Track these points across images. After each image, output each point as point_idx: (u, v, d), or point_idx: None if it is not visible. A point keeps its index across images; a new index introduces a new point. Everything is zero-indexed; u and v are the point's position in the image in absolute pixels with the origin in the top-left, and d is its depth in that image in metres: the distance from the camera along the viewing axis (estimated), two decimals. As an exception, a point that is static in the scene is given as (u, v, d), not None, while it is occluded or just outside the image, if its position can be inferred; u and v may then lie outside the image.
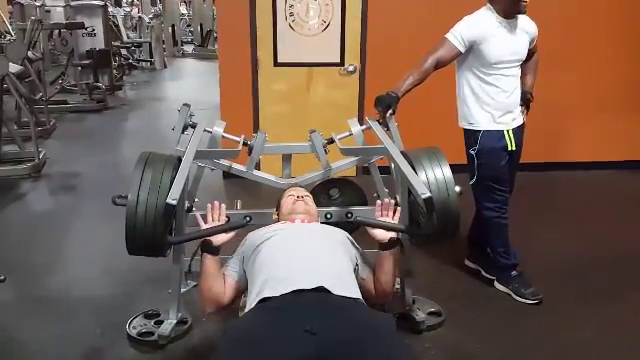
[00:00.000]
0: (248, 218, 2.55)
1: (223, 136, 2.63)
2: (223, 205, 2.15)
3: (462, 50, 2.66)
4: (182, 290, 2.90)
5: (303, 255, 1.93)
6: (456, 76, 2.84)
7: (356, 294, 1.85)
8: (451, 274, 3.15)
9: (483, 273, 3.08)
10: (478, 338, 2.53)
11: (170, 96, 9.40)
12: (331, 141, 2.66)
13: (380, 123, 2.66)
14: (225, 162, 2.63)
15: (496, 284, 2.97)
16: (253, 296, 1.83)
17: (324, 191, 2.90)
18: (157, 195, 2.06)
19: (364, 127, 2.71)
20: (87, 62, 8.22)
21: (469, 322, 2.66)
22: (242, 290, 2.13)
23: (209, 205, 2.15)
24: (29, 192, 4.63)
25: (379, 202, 2.22)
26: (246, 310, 1.82)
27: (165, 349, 2.41)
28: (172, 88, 10.51)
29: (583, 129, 5.07)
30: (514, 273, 2.89)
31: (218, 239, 2.03)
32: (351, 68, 4.68)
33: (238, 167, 2.65)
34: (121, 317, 2.58)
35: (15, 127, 5.93)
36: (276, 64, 4.61)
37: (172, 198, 1.89)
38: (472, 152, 2.78)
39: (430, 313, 2.68)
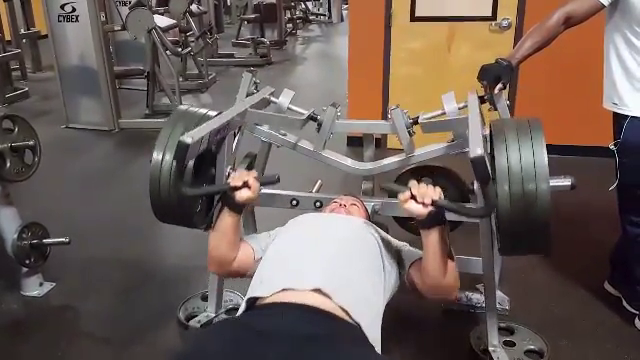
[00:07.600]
0: (318, 203, 2.18)
1: (289, 108, 2.26)
2: (253, 171, 1.83)
3: (604, 1, 1.89)
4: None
5: (314, 251, 1.60)
6: (604, 41, 2.07)
7: (367, 313, 1.45)
8: (577, 299, 2.42)
9: (624, 304, 2.32)
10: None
11: (336, 52, 9.14)
12: (416, 121, 2.13)
13: (485, 100, 2.07)
14: (292, 138, 2.26)
15: (637, 322, 2.21)
16: (251, 286, 1.61)
17: (414, 180, 2.38)
18: None
19: (462, 105, 2.11)
20: (253, 16, 8.32)
21: (581, 373, 2.00)
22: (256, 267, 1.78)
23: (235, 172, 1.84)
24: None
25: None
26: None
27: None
28: (343, 43, 10.24)
29: None
30: (663, 315, 2.10)
31: (241, 194, 1.69)
32: (505, 23, 3.91)
33: (305, 145, 2.26)
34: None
35: (181, 79, 6.22)
36: (413, 19, 4.04)
37: (188, 136, 1.58)
38: (612, 147, 2.02)
39: (528, 351, 2.07)
